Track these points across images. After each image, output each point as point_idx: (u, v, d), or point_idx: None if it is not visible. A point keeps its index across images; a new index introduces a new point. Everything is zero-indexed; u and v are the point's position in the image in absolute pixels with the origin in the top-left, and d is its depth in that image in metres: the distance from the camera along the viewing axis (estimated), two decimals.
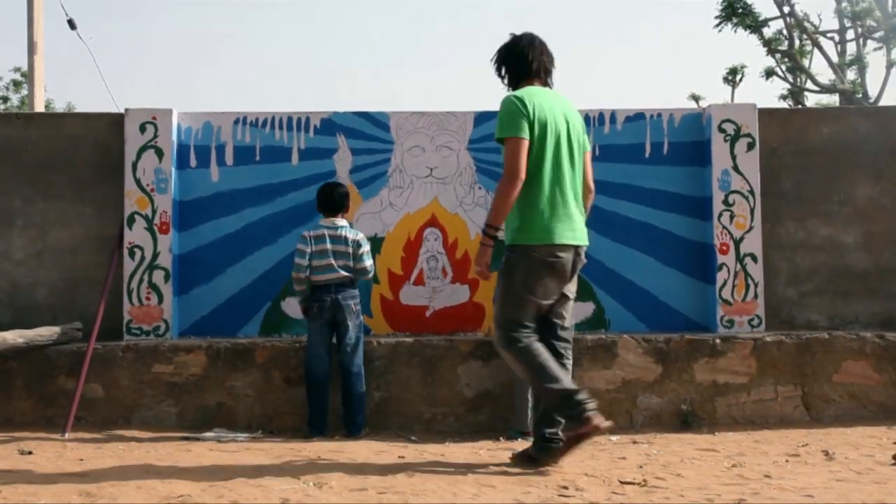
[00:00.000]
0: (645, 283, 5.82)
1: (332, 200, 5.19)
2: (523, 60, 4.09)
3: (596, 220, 5.83)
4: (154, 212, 5.64)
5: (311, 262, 5.07)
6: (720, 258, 5.69)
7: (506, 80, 4.17)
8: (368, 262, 5.13)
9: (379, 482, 3.71)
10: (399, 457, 4.39)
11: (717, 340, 5.41)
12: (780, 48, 17.63)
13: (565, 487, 3.62)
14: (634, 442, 4.87)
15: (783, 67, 19.13)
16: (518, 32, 4.18)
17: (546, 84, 4.14)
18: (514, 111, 3.91)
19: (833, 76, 18.37)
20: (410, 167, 5.86)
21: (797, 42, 17.93)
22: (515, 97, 3.95)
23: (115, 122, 5.82)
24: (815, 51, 18.24)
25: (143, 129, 5.67)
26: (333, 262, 5.06)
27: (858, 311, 5.90)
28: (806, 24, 18.29)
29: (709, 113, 5.82)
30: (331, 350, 5.12)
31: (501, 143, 3.94)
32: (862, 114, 6.30)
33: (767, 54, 17.76)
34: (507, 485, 3.69)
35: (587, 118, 5.87)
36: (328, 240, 5.09)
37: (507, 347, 3.98)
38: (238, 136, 5.86)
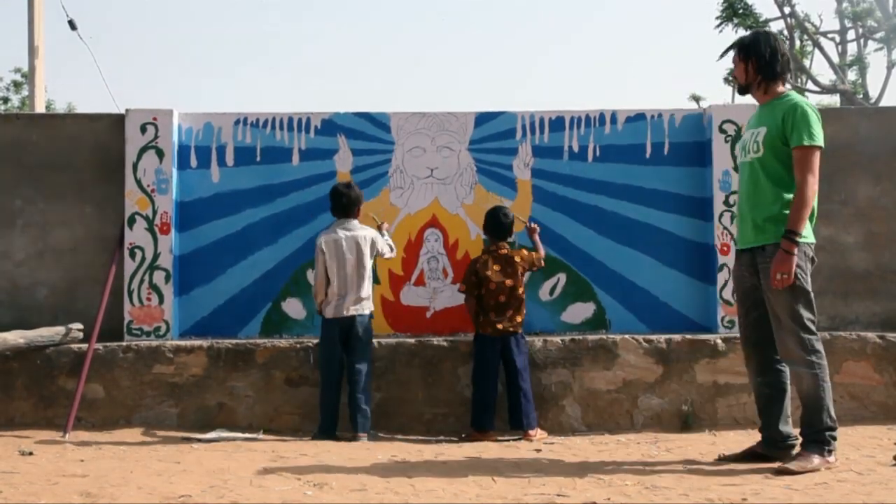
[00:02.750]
0: (646, 284, 5.82)
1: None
2: (785, 60, 4.07)
3: (596, 221, 5.84)
4: (155, 212, 5.64)
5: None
6: (721, 259, 5.69)
7: (762, 75, 4.04)
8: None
9: (379, 482, 3.71)
10: (399, 457, 4.39)
11: (718, 341, 5.40)
12: None
13: (566, 487, 3.62)
14: (636, 442, 4.87)
15: None
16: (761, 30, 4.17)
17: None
18: (817, 120, 3.94)
19: (834, 77, 18.36)
20: (411, 168, 5.86)
21: (798, 42, 17.91)
22: (813, 107, 3.95)
23: (115, 123, 5.82)
24: (816, 51, 18.24)
25: (143, 129, 5.67)
26: None
27: (859, 311, 5.90)
28: (807, 24, 18.28)
29: (709, 113, 5.82)
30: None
31: (804, 148, 3.87)
32: (863, 114, 6.29)
33: None
34: (508, 485, 3.69)
35: (588, 118, 5.88)
36: None
37: (811, 354, 3.89)
38: (239, 136, 5.86)
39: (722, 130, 5.74)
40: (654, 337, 5.44)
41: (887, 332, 5.55)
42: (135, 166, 5.65)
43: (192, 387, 5.33)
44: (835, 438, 3.90)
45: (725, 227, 5.69)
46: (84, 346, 5.33)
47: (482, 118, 5.88)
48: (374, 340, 5.37)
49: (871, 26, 18.82)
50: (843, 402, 5.39)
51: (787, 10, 17.00)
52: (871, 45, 19.48)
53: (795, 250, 3.81)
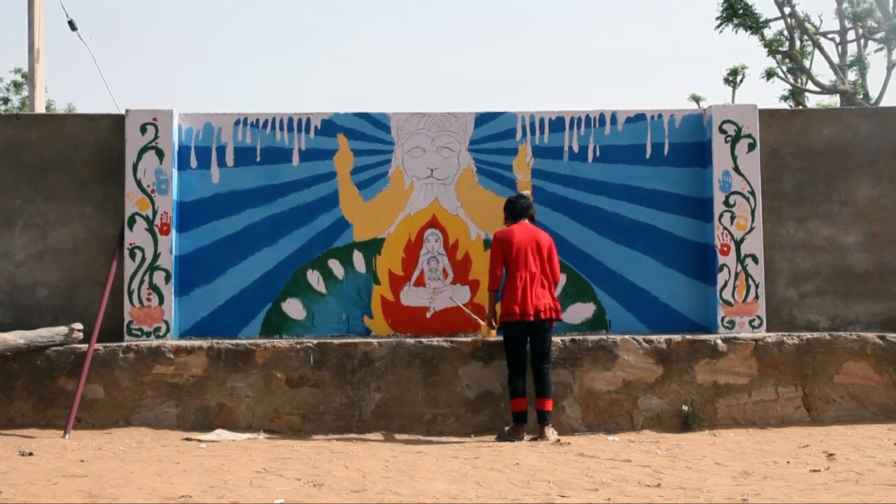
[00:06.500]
0: (646, 284, 5.82)
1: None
2: None
3: (597, 221, 5.84)
4: (155, 213, 5.64)
5: None
6: (721, 259, 5.69)
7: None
8: None
9: (379, 482, 3.71)
10: (399, 457, 4.39)
11: (718, 341, 5.41)
12: (780, 49, 17.60)
13: (566, 487, 3.63)
14: (636, 442, 4.87)
15: (784, 68, 19.12)
16: None
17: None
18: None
19: (834, 77, 18.36)
20: (411, 168, 5.86)
21: (798, 43, 17.89)
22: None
23: (115, 123, 5.82)
24: (816, 52, 18.22)
25: (143, 129, 5.68)
26: None
27: (859, 311, 5.90)
28: (807, 24, 18.26)
29: (709, 114, 5.82)
30: None
31: None
32: (862, 115, 6.29)
33: (768, 55, 17.74)
34: (508, 485, 3.69)
35: (588, 119, 5.88)
36: None
37: None
38: (239, 136, 5.86)
39: (722, 131, 5.75)
40: (654, 337, 5.44)
41: (887, 333, 5.55)
42: (135, 166, 5.66)
43: (192, 387, 5.33)
44: None
45: (725, 228, 5.69)
46: (84, 346, 5.33)
47: (482, 118, 5.89)
48: (374, 340, 5.38)
49: (872, 27, 18.82)
50: (843, 402, 5.39)
51: (787, 10, 16.98)
52: (872, 45, 19.47)
53: None
